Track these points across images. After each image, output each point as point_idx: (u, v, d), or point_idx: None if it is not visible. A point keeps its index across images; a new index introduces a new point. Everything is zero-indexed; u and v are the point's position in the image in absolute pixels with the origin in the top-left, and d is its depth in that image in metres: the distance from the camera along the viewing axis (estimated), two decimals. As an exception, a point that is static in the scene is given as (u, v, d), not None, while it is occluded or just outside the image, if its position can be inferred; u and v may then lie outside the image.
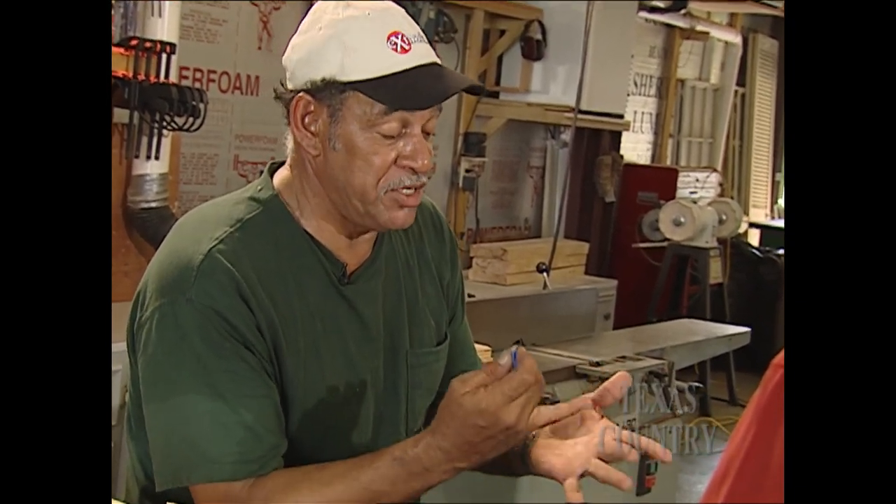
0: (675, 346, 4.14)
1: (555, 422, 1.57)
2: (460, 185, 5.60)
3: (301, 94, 1.50)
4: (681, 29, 7.44)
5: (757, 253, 7.93)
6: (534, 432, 1.58)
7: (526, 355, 1.40)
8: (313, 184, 1.54)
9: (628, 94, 6.60)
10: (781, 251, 7.82)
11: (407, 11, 1.54)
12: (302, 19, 1.55)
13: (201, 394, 1.43)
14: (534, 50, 5.69)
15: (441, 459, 1.42)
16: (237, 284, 1.46)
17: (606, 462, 1.49)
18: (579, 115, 5.52)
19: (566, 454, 1.52)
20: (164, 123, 3.55)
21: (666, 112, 7.70)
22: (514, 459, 1.59)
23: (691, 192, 6.92)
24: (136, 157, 3.59)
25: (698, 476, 5.15)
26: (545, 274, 5.04)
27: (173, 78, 3.61)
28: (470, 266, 5.24)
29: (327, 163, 1.51)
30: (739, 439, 1.10)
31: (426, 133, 1.51)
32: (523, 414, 1.39)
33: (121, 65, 3.47)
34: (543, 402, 1.50)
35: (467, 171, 5.58)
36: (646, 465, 3.00)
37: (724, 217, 6.60)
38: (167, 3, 3.60)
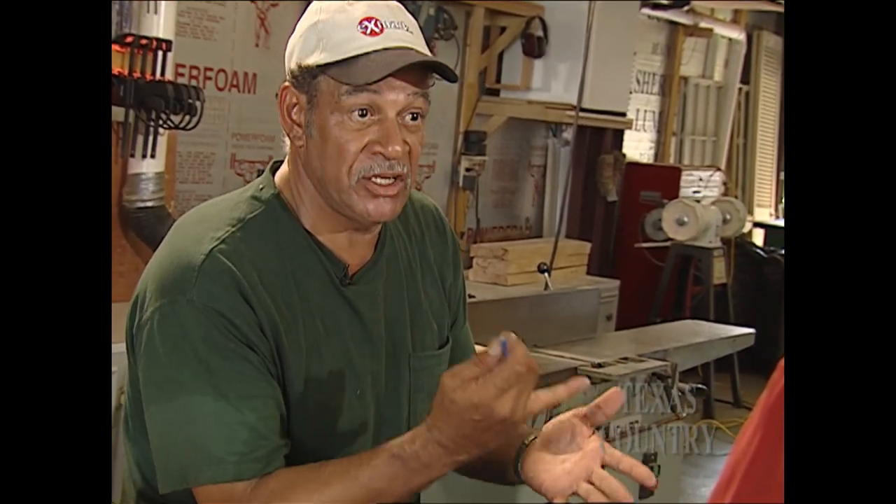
0: (679, 347, 4.10)
1: (554, 406, 1.54)
2: (460, 184, 5.58)
3: (286, 84, 1.52)
4: (684, 26, 7.41)
5: (761, 253, 7.90)
6: (533, 435, 1.57)
7: (516, 343, 1.36)
8: (304, 178, 1.54)
9: (631, 92, 6.59)
10: (786, 251, 7.79)
11: (407, 8, 1.53)
12: (300, 16, 1.54)
13: (204, 394, 1.42)
14: (535, 47, 5.66)
15: (440, 454, 1.40)
16: (239, 284, 1.45)
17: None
18: (581, 113, 5.50)
19: (554, 471, 1.51)
20: (161, 122, 3.53)
21: (669, 110, 7.67)
22: (508, 468, 1.57)
23: (695, 192, 6.91)
24: (132, 155, 3.57)
25: (702, 479, 5.13)
26: (546, 274, 5.02)
27: (169, 75, 3.61)
28: (470, 266, 5.22)
29: (308, 152, 1.52)
30: (746, 442, 1.09)
31: (412, 121, 1.49)
32: (518, 404, 1.36)
33: (116, 62, 3.46)
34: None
35: (467, 169, 5.56)
36: (649, 468, 2.96)
37: (727, 216, 6.59)
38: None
